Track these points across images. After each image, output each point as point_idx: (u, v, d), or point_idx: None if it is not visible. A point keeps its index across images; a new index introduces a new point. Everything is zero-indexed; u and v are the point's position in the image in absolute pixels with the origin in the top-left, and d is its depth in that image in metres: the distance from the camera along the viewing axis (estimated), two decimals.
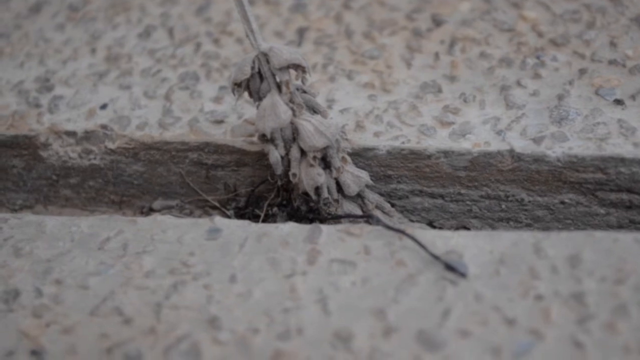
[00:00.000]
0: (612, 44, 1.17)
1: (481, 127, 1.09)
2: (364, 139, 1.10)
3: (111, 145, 1.14)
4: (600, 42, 1.18)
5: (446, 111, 1.12)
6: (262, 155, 1.10)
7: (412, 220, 1.12)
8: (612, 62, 1.15)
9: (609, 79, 1.13)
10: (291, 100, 1.05)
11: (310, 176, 1.05)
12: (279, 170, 1.06)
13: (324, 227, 1.01)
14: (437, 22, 1.23)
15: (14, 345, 0.93)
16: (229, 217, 1.12)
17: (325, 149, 1.04)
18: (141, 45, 1.25)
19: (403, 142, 1.09)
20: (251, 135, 1.12)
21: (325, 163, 1.06)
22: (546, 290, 0.92)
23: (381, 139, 1.09)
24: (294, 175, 1.06)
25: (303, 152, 1.05)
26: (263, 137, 1.05)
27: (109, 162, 1.15)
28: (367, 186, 1.08)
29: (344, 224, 1.04)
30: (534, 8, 1.23)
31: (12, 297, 0.98)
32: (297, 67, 1.04)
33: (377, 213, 1.08)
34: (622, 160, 1.05)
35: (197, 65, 1.21)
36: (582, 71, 1.14)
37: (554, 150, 1.06)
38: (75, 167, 1.16)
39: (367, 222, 1.05)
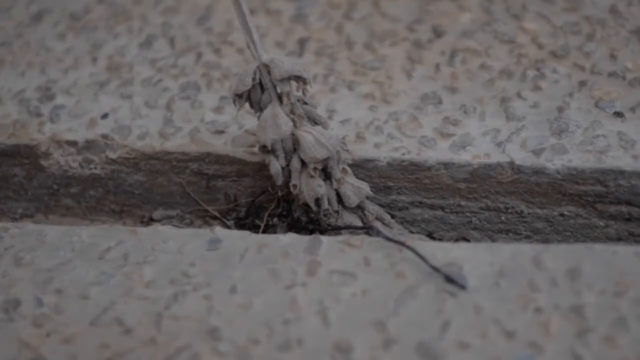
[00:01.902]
0: (612, 56, 1.17)
1: (481, 139, 1.10)
2: (365, 150, 1.10)
3: (112, 155, 1.15)
4: (600, 54, 1.18)
5: (446, 123, 1.12)
6: (263, 166, 1.10)
7: (412, 232, 1.12)
8: (612, 75, 1.15)
9: (609, 91, 1.13)
10: (292, 112, 1.05)
11: (310, 187, 1.05)
12: (280, 181, 1.06)
13: (324, 238, 1.01)
14: (438, 33, 1.23)
15: (15, 355, 0.94)
16: (229, 227, 1.13)
17: (325, 160, 1.05)
18: (142, 55, 1.25)
19: (403, 154, 1.09)
20: (252, 146, 1.12)
21: (326, 174, 1.06)
22: (546, 303, 0.92)
23: (381, 150, 1.10)
24: (295, 186, 1.06)
25: (304, 163, 1.05)
26: (264, 148, 1.05)
27: (110, 172, 1.15)
28: (367, 197, 1.09)
29: (344, 235, 1.04)
30: (535, 20, 1.23)
31: (12, 307, 0.98)
32: (298, 78, 1.05)
33: (377, 224, 1.08)
34: (622, 173, 1.05)
35: (198, 75, 1.21)
36: (582, 83, 1.15)
37: (554, 163, 1.06)
38: (76, 177, 1.16)
39: (367, 233, 1.05)
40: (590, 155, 1.06)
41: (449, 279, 0.95)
